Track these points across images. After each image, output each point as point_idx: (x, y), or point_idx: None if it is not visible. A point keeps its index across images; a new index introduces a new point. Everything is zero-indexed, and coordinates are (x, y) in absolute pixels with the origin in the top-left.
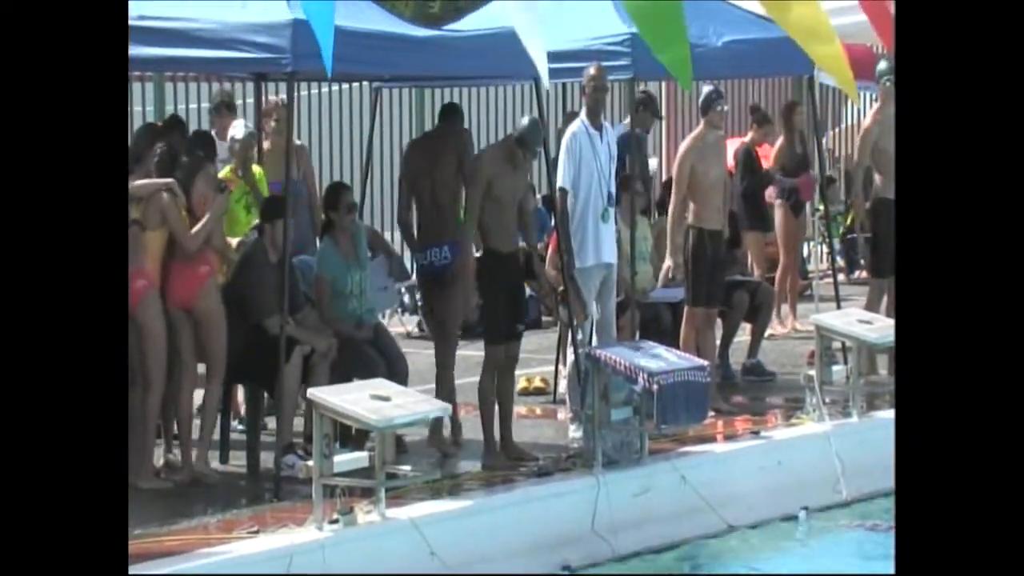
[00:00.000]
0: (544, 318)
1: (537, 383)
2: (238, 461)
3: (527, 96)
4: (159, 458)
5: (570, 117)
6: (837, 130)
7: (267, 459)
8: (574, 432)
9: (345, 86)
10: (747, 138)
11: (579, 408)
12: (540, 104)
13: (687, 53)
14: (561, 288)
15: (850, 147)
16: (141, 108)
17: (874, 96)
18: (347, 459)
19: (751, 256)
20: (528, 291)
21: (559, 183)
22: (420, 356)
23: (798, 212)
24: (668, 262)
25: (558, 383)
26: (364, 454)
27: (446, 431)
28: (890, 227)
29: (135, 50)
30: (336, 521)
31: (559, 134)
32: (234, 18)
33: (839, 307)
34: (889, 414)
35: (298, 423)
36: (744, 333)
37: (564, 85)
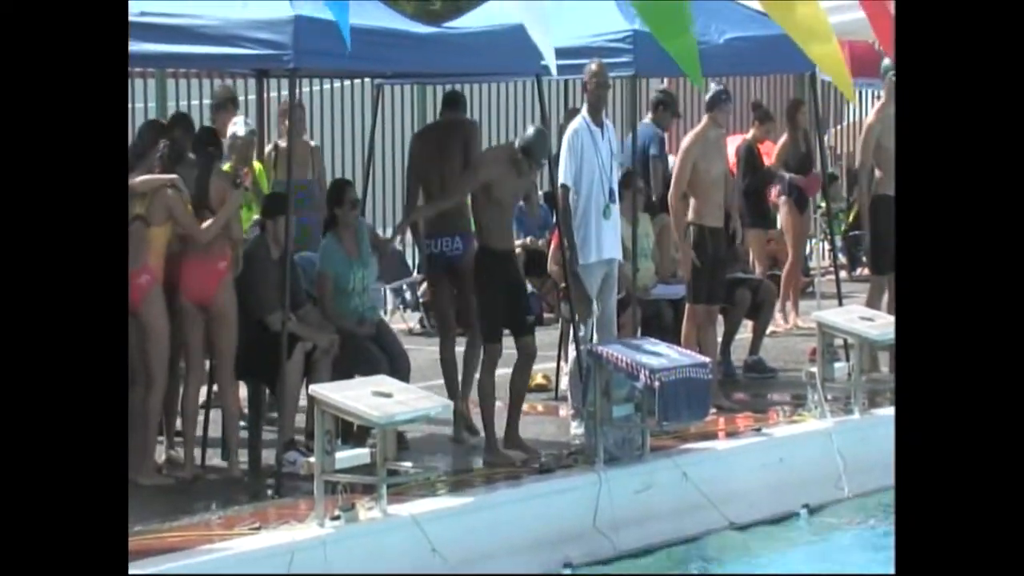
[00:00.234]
0: (546, 315)
1: (539, 380)
2: (239, 457)
3: (529, 93)
4: (161, 454)
5: (571, 114)
6: (839, 127)
7: (269, 456)
8: (576, 429)
9: (347, 83)
10: (749, 135)
11: (581, 405)
12: (542, 101)
13: (694, 44)
14: (563, 284)
15: (852, 144)
16: (143, 104)
17: (876, 93)
18: (349, 455)
19: (753, 253)
20: (530, 287)
21: (561, 180)
22: (422, 352)
23: (803, 209)
24: (679, 255)
25: (560, 380)
26: (366, 450)
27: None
28: (890, 224)
29: (137, 46)
30: (338, 518)
31: (560, 131)
32: (236, 14)
33: (841, 304)
34: (891, 411)
35: (300, 420)
36: (745, 330)
37: (566, 82)
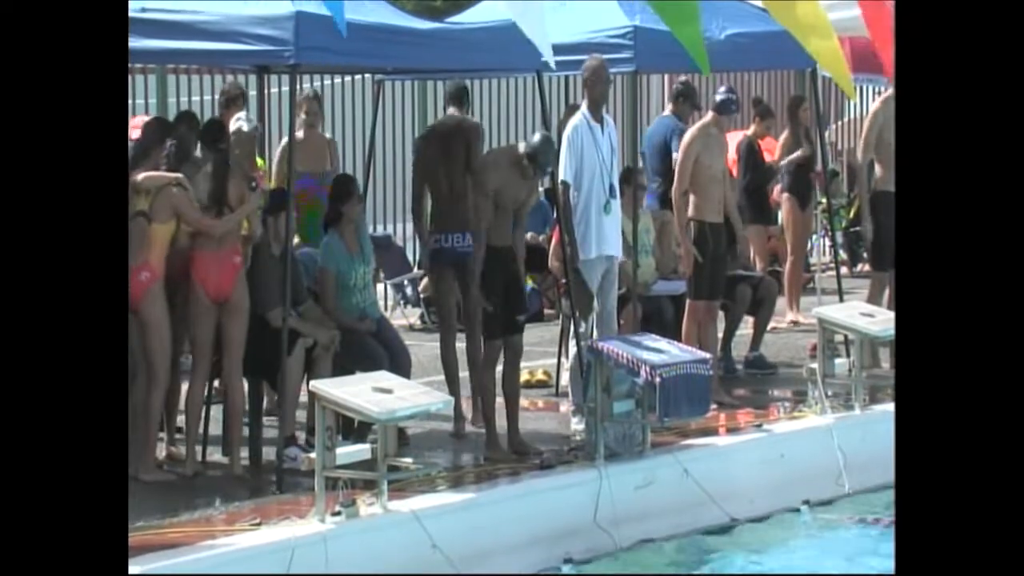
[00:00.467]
0: (547, 311)
1: (539, 376)
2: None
3: (529, 89)
4: (161, 450)
5: (571, 110)
6: (839, 123)
7: (269, 451)
8: (576, 425)
9: (347, 79)
10: (749, 131)
11: (581, 401)
12: (543, 97)
13: (699, 32)
14: (564, 280)
15: (852, 140)
16: (144, 100)
17: (877, 89)
18: (349, 451)
19: (753, 250)
20: (530, 284)
21: (561, 176)
22: (423, 348)
23: (804, 206)
24: (680, 251)
25: (560, 376)
26: (366, 446)
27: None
28: (891, 220)
29: (138, 42)
30: (338, 513)
31: (560, 127)
32: (236, 10)
33: (841, 300)
34: (891, 407)
35: (300, 416)
36: (746, 326)
37: (566, 78)
